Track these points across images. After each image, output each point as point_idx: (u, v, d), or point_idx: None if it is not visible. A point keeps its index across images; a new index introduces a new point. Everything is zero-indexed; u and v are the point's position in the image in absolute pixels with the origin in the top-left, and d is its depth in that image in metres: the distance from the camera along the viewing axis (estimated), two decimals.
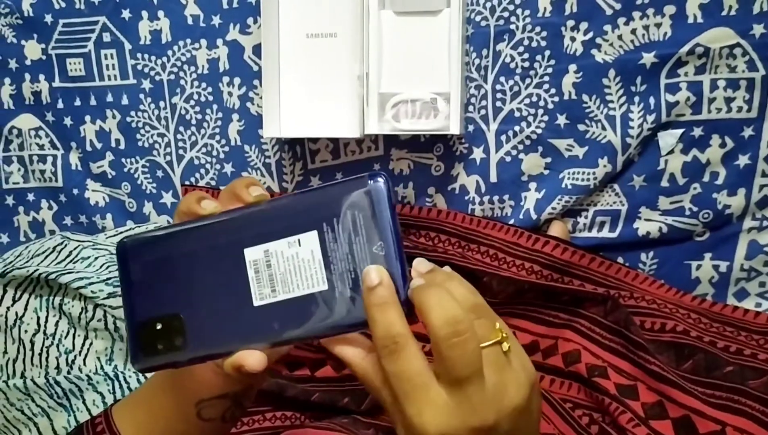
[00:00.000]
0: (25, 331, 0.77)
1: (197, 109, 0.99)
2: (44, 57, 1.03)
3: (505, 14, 0.86)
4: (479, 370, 0.34)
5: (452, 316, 0.34)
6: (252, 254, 0.38)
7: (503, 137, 0.89)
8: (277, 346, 0.39)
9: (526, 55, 0.86)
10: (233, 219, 0.39)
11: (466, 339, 0.34)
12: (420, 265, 0.38)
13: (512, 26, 0.86)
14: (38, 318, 0.78)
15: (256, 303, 0.38)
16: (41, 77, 1.04)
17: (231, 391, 0.44)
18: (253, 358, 0.38)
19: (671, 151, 0.84)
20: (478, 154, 0.90)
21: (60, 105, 1.04)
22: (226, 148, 0.99)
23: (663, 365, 0.69)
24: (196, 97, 0.99)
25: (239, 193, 0.41)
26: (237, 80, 0.96)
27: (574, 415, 0.72)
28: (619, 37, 0.82)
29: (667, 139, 0.83)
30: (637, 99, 0.83)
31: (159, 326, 0.39)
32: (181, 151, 1.01)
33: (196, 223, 0.40)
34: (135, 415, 0.49)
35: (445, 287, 0.35)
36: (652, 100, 0.82)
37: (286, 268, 0.38)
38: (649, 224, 0.86)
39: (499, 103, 0.88)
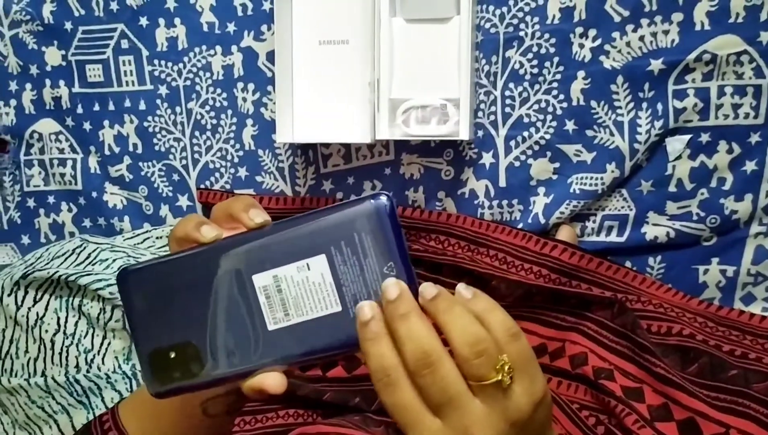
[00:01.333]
0: (46, 331, 0.79)
1: (212, 114, 1.01)
2: (64, 63, 1.06)
3: (515, 21, 0.87)
4: (459, 393, 0.35)
5: (420, 349, 0.35)
6: (261, 280, 0.39)
7: (512, 142, 0.90)
8: (294, 366, 0.40)
9: (535, 62, 0.87)
10: (237, 246, 0.40)
11: (434, 369, 0.35)
12: (426, 290, 0.38)
13: (521, 33, 0.87)
14: (58, 318, 0.80)
15: (271, 327, 0.39)
16: (61, 83, 1.06)
17: (234, 388, 0.46)
18: (273, 381, 0.39)
19: (679, 157, 0.84)
20: (487, 159, 0.91)
21: (79, 110, 1.06)
22: (241, 153, 1.01)
23: (668, 368, 0.70)
24: (211, 102, 1.01)
25: (238, 216, 0.41)
26: (251, 86, 0.98)
27: (581, 416, 0.73)
28: (627, 44, 0.83)
29: (675, 144, 0.84)
30: (645, 105, 0.84)
31: (173, 355, 0.40)
32: (196, 156, 1.03)
33: (199, 251, 0.40)
34: (140, 414, 0.50)
35: (443, 318, 0.36)
36: (659, 107, 0.83)
37: (298, 292, 0.38)
38: (656, 229, 0.87)
39: (508, 109, 0.89)
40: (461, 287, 0.39)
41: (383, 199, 0.38)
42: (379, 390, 0.36)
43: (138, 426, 0.49)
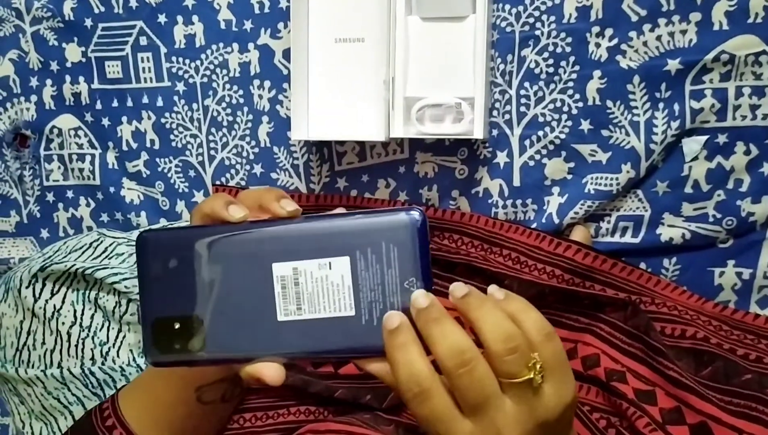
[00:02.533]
0: (63, 323, 0.80)
1: (228, 111, 1.02)
2: (84, 59, 1.07)
3: (531, 20, 0.87)
4: (493, 393, 0.35)
5: (456, 347, 0.35)
6: (280, 269, 0.39)
7: (527, 142, 0.90)
8: (294, 361, 0.40)
9: (550, 61, 0.87)
10: (264, 231, 0.39)
11: (472, 368, 0.34)
12: (456, 289, 0.38)
13: (537, 32, 0.87)
14: (75, 311, 0.81)
15: (280, 318, 0.39)
16: (81, 79, 1.08)
17: (228, 375, 0.46)
18: (271, 372, 0.38)
19: (695, 158, 0.84)
20: (501, 158, 0.91)
21: (98, 106, 1.08)
22: (256, 150, 1.02)
23: (682, 371, 0.69)
24: (227, 99, 1.01)
25: (269, 205, 0.41)
26: (267, 83, 0.99)
27: (592, 418, 0.73)
28: (644, 44, 0.83)
29: (692, 145, 0.83)
30: (661, 105, 0.83)
31: (177, 326, 0.40)
32: (212, 152, 1.04)
33: (225, 229, 0.40)
34: (138, 401, 0.51)
35: (475, 315, 0.36)
36: (676, 107, 0.83)
37: (314, 288, 0.38)
38: (672, 230, 0.86)
39: (523, 108, 0.89)
40: (493, 288, 0.39)
41: (416, 214, 0.38)
42: (410, 400, 0.36)
43: (136, 414, 0.50)
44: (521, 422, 0.36)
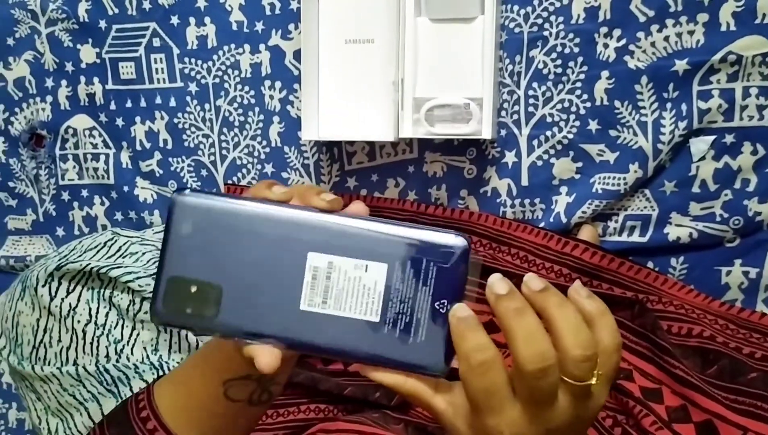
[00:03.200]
0: (78, 321, 0.81)
1: (240, 111, 1.03)
2: (98, 60, 1.08)
3: (539, 21, 0.87)
4: (555, 394, 0.36)
5: (540, 354, 0.35)
6: (315, 260, 0.38)
7: (535, 142, 0.90)
8: (304, 351, 0.40)
9: (558, 62, 0.88)
10: (306, 218, 0.39)
11: (549, 374, 0.35)
12: (532, 281, 0.38)
13: (545, 33, 0.87)
14: (90, 309, 0.82)
15: (302, 307, 0.39)
16: (95, 80, 1.09)
17: (255, 374, 0.47)
18: (265, 358, 0.38)
19: (703, 158, 0.84)
20: (510, 158, 0.92)
21: (112, 106, 1.09)
22: (267, 149, 1.03)
23: (688, 370, 0.70)
24: (239, 99, 1.03)
25: (311, 200, 0.40)
26: (278, 84, 1.00)
27: (598, 417, 0.73)
28: (652, 44, 0.83)
29: (699, 145, 0.84)
30: (669, 105, 0.84)
31: (194, 289, 0.39)
32: (224, 152, 1.05)
33: (267, 206, 0.39)
34: (172, 392, 0.52)
35: (557, 313, 0.36)
36: (684, 107, 0.83)
37: (345, 286, 0.38)
38: (679, 229, 0.86)
39: (531, 109, 0.90)
40: (578, 285, 0.39)
41: (464, 240, 0.38)
42: (470, 370, 0.36)
43: (170, 405, 0.51)
44: (567, 418, 0.37)
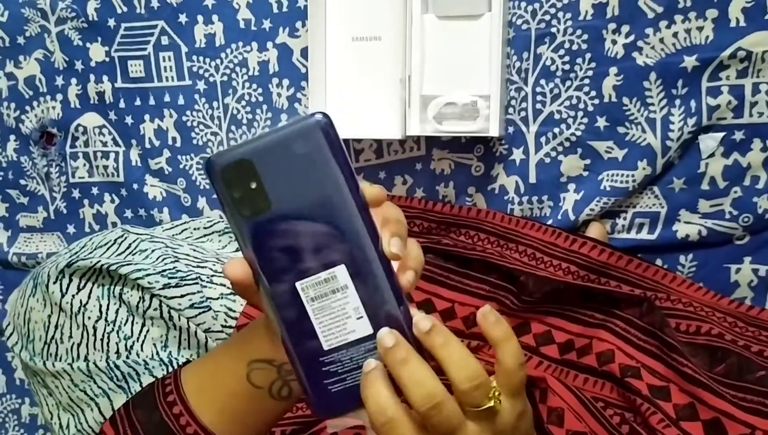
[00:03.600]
0: (89, 318, 0.82)
1: (248, 109, 1.03)
2: (107, 59, 1.09)
3: (547, 17, 0.87)
4: (460, 423, 0.39)
5: (427, 394, 0.38)
6: (340, 273, 0.40)
7: (543, 139, 0.90)
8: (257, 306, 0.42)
9: (566, 58, 0.87)
10: (366, 240, 0.40)
11: (441, 409, 0.38)
12: (421, 323, 0.40)
13: (553, 29, 0.87)
14: (100, 306, 0.83)
15: (298, 284, 0.40)
16: (105, 78, 1.10)
17: (278, 358, 0.47)
18: (233, 267, 0.41)
19: (712, 155, 0.84)
20: (517, 155, 0.92)
21: (122, 104, 1.10)
22: None
23: (696, 368, 0.70)
24: (247, 97, 1.03)
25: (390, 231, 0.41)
26: (286, 81, 1.00)
27: (606, 414, 0.73)
28: (661, 41, 0.83)
29: (708, 142, 0.83)
30: (678, 102, 0.83)
31: (254, 185, 0.40)
32: None
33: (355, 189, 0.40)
34: (200, 373, 0.53)
35: (441, 353, 0.39)
36: (693, 104, 0.82)
37: (333, 308, 0.40)
38: (688, 227, 0.86)
39: (539, 106, 0.90)
40: (487, 310, 0.41)
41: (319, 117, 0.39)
42: (379, 427, 0.39)
43: (196, 385, 0.52)
44: None
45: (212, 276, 0.84)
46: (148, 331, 0.83)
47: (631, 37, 0.84)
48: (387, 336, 0.39)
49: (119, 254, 0.88)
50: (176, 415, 0.51)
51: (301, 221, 0.40)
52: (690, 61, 0.81)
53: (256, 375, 0.49)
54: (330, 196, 0.40)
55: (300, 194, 0.40)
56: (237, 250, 0.89)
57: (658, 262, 0.88)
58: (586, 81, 0.87)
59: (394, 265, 0.41)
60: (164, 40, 1.05)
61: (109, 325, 0.82)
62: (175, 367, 0.81)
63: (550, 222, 0.90)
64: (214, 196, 1.07)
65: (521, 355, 0.40)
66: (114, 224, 1.15)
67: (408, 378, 0.38)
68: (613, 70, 0.85)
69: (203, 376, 0.53)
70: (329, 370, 0.41)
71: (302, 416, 0.77)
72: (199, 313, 0.80)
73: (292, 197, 0.40)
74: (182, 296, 0.80)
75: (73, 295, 0.82)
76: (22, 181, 1.19)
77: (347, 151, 0.40)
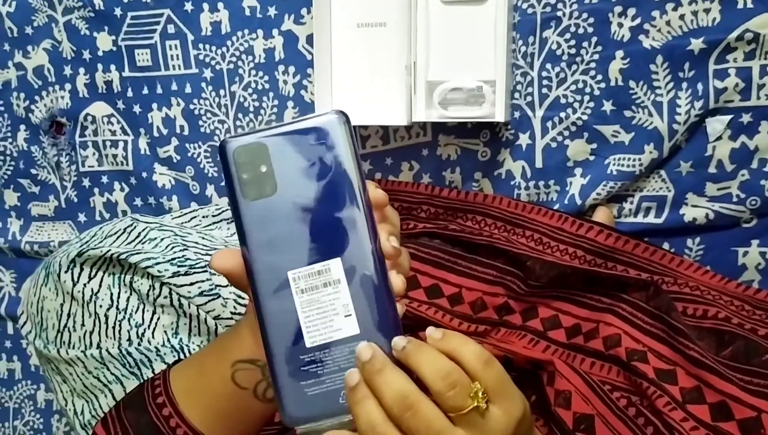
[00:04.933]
0: (100, 306, 0.83)
1: (254, 96, 1.04)
2: (115, 48, 1.10)
3: (552, 1, 0.87)
4: (443, 428, 0.38)
5: (398, 393, 0.38)
6: (335, 267, 0.40)
7: (549, 123, 0.90)
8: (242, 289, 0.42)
9: (572, 42, 0.87)
10: (366, 241, 0.40)
11: (416, 410, 0.38)
12: (397, 343, 0.40)
13: (559, 13, 0.87)
14: (111, 294, 0.84)
15: (289, 274, 0.40)
16: (112, 67, 1.10)
17: (261, 359, 0.48)
18: (220, 257, 0.42)
19: (719, 138, 0.83)
20: (524, 140, 0.92)
21: (129, 93, 1.10)
22: None
23: (702, 351, 0.70)
24: (253, 85, 1.03)
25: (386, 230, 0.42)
26: (292, 69, 1.01)
27: (613, 397, 0.74)
28: (668, 23, 0.82)
29: (715, 125, 0.83)
30: (684, 85, 0.83)
31: (264, 169, 0.40)
32: None
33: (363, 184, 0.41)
34: (187, 374, 0.53)
35: (412, 360, 0.39)
36: (700, 87, 0.82)
37: (321, 302, 0.40)
38: (695, 210, 0.86)
39: (545, 90, 0.89)
40: (430, 330, 0.41)
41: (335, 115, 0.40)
42: None
43: (183, 386, 0.52)
44: None
45: None
46: (158, 318, 0.84)
47: (638, 20, 0.83)
48: (364, 350, 0.39)
49: (129, 243, 0.89)
50: (166, 417, 0.52)
51: (303, 210, 0.40)
52: (697, 44, 0.81)
53: (240, 376, 0.49)
54: (337, 190, 0.40)
55: (307, 184, 0.40)
56: None
57: (665, 245, 0.88)
58: (593, 65, 0.86)
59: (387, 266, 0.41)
60: (170, 29, 1.05)
61: (120, 312, 0.83)
62: (187, 353, 0.82)
63: (556, 207, 0.90)
64: (222, 182, 1.08)
65: (483, 354, 0.40)
66: (124, 212, 1.17)
67: (382, 384, 0.39)
68: (620, 53, 0.85)
69: (190, 376, 0.53)
70: (308, 370, 0.40)
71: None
72: (209, 301, 0.80)
73: (299, 186, 0.40)
74: (192, 284, 0.80)
75: (85, 284, 0.83)
76: (33, 171, 1.20)
77: (359, 148, 0.41)
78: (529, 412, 0.42)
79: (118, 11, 1.07)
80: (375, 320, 0.40)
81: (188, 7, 1.04)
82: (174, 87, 1.07)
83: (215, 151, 1.08)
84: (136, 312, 0.84)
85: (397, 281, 0.41)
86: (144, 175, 1.13)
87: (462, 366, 0.39)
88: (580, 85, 0.87)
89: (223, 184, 1.09)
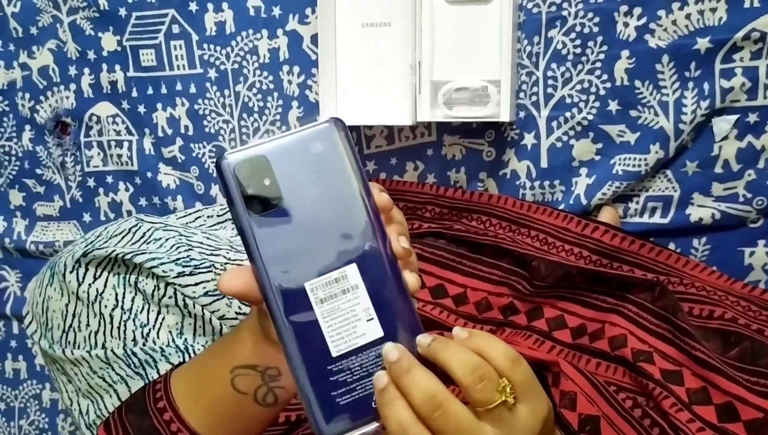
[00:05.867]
0: (105, 306, 0.83)
1: (259, 96, 1.04)
2: (119, 48, 1.10)
3: (558, 0, 0.86)
4: (471, 425, 0.38)
5: (427, 393, 0.38)
6: (351, 273, 0.40)
7: (554, 123, 0.90)
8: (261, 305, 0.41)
9: (578, 42, 0.87)
10: (375, 247, 0.40)
11: (445, 408, 0.38)
12: (422, 339, 0.40)
13: (564, 12, 0.86)
14: (116, 294, 0.84)
15: (306, 284, 0.39)
16: (117, 67, 1.11)
17: (261, 364, 0.48)
18: (227, 278, 0.41)
19: (725, 137, 0.83)
20: (529, 139, 0.91)
21: (134, 93, 1.10)
22: None
23: (709, 352, 0.70)
24: (258, 85, 1.03)
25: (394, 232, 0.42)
26: (296, 69, 1.01)
27: (618, 398, 0.74)
28: (674, 22, 0.82)
29: (722, 125, 0.83)
30: (691, 85, 0.83)
31: (267, 182, 0.39)
32: (244, 137, 1.06)
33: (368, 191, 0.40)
34: (187, 378, 0.53)
35: (440, 356, 0.39)
36: (706, 86, 0.82)
37: (342, 310, 0.40)
38: (701, 210, 0.86)
39: (550, 90, 0.89)
40: (457, 330, 0.41)
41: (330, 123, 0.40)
42: None
43: (183, 389, 0.53)
44: None
45: (226, 264, 0.85)
46: (163, 318, 0.84)
47: (643, 20, 0.83)
48: (391, 351, 0.39)
49: (134, 243, 0.89)
50: (167, 421, 0.52)
51: (311, 220, 0.39)
52: (703, 43, 0.80)
53: (240, 381, 0.49)
54: (342, 197, 0.40)
55: (313, 193, 0.39)
56: None
57: (671, 246, 0.88)
58: (598, 64, 0.86)
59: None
60: (175, 29, 1.05)
61: (125, 313, 0.83)
62: (192, 354, 0.82)
63: (562, 207, 0.90)
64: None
65: (511, 352, 0.40)
66: (129, 212, 1.17)
67: (410, 383, 0.38)
68: (625, 53, 0.85)
69: (190, 381, 0.53)
70: (338, 380, 0.40)
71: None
72: (214, 301, 0.80)
73: (305, 196, 0.39)
74: (196, 284, 0.81)
75: (90, 284, 0.83)
76: (38, 171, 1.21)
77: (358, 154, 0.41)
78: (552, 413, 0.42)
79: (122, 11, 1.07)
80: (397, 321, 0.40)
81: (193, 7, 1.04)
82: (179, 87, 1.07)
83: (220, 151, 1.08)
84: (141, 312, 0.84)
85: (411, 280, 0.41)
86: (149, 175, 1.13)
87: (490, 363, 0.39)
88: (586, 85, 0.87)
89: (223, 194, 1.09)
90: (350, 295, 0.39)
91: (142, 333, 0.83)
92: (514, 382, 0.39)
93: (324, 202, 0.40)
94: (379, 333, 0.40)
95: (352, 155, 0.40)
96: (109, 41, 1.10)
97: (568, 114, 0.89)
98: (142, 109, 1.10)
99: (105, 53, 1.11)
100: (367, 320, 0.40)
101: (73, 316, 0.84)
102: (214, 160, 0.40)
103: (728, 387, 0.67)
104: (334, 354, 0.39)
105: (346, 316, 0.39)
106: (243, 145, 0.42)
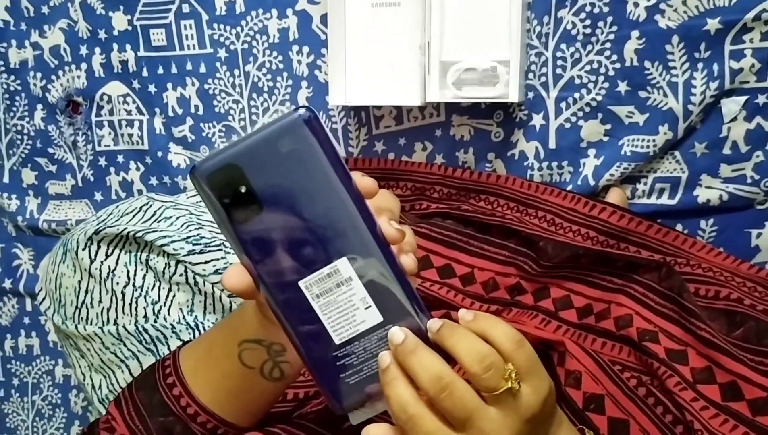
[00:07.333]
0: (117, 283, 0.84)
1: (269, 76, 1.04)
2: (130, 28, 1.10)
3: None
4: (476, 407, 0.39)
5: (434, 374, 0.39)
6: (343, 266, 0.40)
7: (563, 104, 0.90)
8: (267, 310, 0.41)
9: (587, 22, 0.86)
10: (366, 232, 0.40)
11: (451, 390, 0.39)
12: (432, 324, 0.41)
13: None
14: (128, 271, 0.85)
15: (301, 283, 0.40)
16: (128, 47, 1.11)
17: (266, 339, 0.49)
18: (230, 275, 0.40)
19: (734, 119, 0.83)
20: (537, 120, 0.91)
21: (145, 73, 1.11)
22: None
23: (714, 332, 0.70)
24: (267, 65, 1.04)
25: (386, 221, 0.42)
26: (306, 49, 1.01)
27: (623, 377, 0.74)
28: (684, 3, 0.81)
29: (731, 106, 0.82)
30: (700, 66, 0.82)
31: (243, 189, 0.39)
32: (254, 117, 1.06)
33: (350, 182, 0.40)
34: (195, 353, 0.54)
35: (449, 342, 0.40)
36: (715, 67, 0.81)
37: (340, 302, 0.40)
38: (709, 192, 0.86)
39: (559, 70, 0.89)
40: (462, 312, 0.42)
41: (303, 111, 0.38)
42: (403, 425, 0.40)
43: (192, 365, 0.53)
44: (508, 425, 0.40)
45: None
46: (174, 296, 0.85)
47: (654, 0, 0.83)
48: (397, 333, 0.40)
49: (145, 221, 0.90)
50: (176, 396, 0.53)
51: (295, 219, 0.39)
52: (713, 24, 0.80)
53: (246, 355, 0.50)
54: (322, 190, 0.39)
55: (291, 192, 0.39)
56: None
57: (679, 227, 0.88)
58: (608, 45, 0.86)
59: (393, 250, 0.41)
60: (185, 8, 1.06)
61: (136, 290, 0.84)
62: (201, 330, 0.83)
63: (569, 187, 0.90)
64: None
65: (516, 334, 0.41)
66: (140, 191, 1.18)
67: (416, 365, 0.39)
68: (635, 33, 0.84)
69: (199, 356, 0.54)
70: (344, 363, 0.41)
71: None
72: None
73: (284, 196, 0.39)
74: (207, 262, 0.81)
75: (102, 262, 0.84)
76: (50, 150, 1.22)
77: (335, 142, 0.40)
78: (554, 390, 0.43)
79: None
80: (396, 304, 0.40)
81: None
82: (189, 66, 1.08)
83: (230, 131, 1.09)
84: (152, 289, 0.85)
85: (407, 261, 0.42)
86: (159, 154, 1.13)
87: (494, 346, 0.40)
88: (595, 66, 0.87)
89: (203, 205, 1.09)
90: (345, 288, 0.40)
91: (153, 310, 0.84)
92: (518, 365, 0.40)
93: (304, 198, 0.39)
94: (378, 319, 0.40)
95: (326, 144, 0.39)
96: (119, 21, 1.10)
97: (576, 95, 0.89)
98: (152, 88, 1.11)
99: (116, 33, 1.11)
100: (365, 308, 0.40)
101: (86, 292, 0.85)
102: (189, 173, 0.38)
103: (732, 366, 0.67)
104: (337, 342, 0.41)
105: (344, 307, 0.40)
106: (213, 151, 0.41)
